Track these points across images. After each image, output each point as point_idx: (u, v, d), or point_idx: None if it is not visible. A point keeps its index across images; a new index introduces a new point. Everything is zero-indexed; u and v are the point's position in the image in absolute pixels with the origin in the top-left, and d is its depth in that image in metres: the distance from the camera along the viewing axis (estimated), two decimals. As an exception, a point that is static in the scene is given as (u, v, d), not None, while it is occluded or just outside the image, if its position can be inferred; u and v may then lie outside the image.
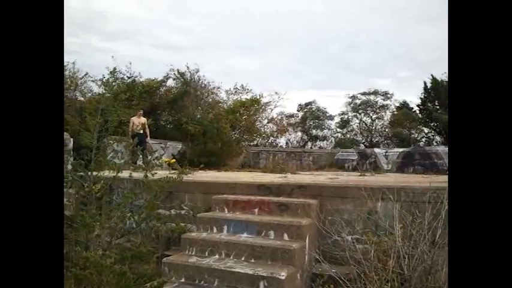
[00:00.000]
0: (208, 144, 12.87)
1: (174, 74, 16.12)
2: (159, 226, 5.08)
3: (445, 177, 5.83)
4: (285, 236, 4.40)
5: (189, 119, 13.68)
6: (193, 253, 4.46)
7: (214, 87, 17.77)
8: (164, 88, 16.06)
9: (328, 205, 4.88)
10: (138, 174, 5.33)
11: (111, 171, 5.04)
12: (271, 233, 4.48)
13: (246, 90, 17.92)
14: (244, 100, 17.28)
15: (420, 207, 4.17)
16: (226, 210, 5.09)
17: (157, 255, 4.59)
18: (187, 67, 16.31)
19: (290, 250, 4.09)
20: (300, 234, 4.38)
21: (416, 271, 3.57)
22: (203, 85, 17.20)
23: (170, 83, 16.30)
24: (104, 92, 7.06)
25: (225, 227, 4.72)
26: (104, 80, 7.30)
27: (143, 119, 11.62)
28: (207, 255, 4.39)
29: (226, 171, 10.57)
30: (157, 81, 15.60)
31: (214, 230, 4.76)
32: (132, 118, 11.22)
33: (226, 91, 17.96)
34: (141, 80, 15.27)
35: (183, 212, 5.68)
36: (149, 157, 7.73)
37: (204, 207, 5.43)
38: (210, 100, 16.96)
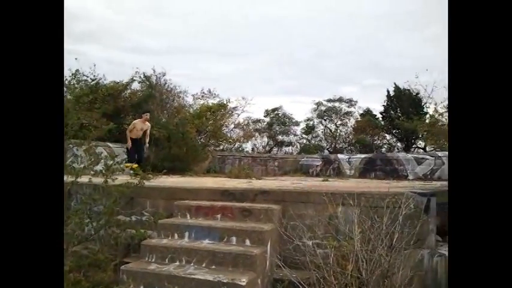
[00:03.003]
0: (172, 149, 12.69)
1: (140, 77, 15.86)
2: (119, 233, 4.95)
3: (405, 183, 6.04)
4: (247, 242, 4.39)
5: (154, 123, 13.45)
6: (153, 260, 4.37)
7: (180, 91, 17.61)
8: (129, 91, 15.75)
9: (290, 210, 4.91)
10: (98, 180, 5.18)
11: (70, 176, 4.88)
12: (234, 238, 4.46)
13: (213, 95, 17.86)
14: (210, 105, 17.21)
15: (379, 212, 4.27)
16: (188, 216, 5.04)
17: (116, 263, 4.47)
18: (154, 70, 16.08)
19: (251, 256, 4.08)
20: (262, 240, 4.39)
21: (374, 275, 3.65)
22: (169, 89, 17.01)
23: (136, 86, 16.00)
24: (65, 94, 6.84)
25: (187, 233, 4.66)
26: (65, 82, 7.08)
27: (148, 124, 10.24)
28: (167, 262, 4.31)
29: (190, 177, 10.46)
30: (122, 84, 15.27)
31: (176, 236, 4.69)
32: (135, 122, 10.04)
33: (193, 95, 17.83)
34: (105, 82, 14.90)
35: (144, 218, 5.56)
36: (110, 162, 7.52)
37: (166, 213, 5.34)
38: (176, 104, 16.77)
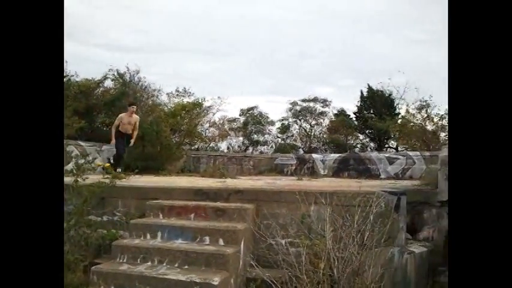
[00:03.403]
0: (146, 148, 12.49)
1: (113, 74, 15.57)
2: (89, 233, 4.85)
3: (377, 182, 6.15)
4: (221, 241, 4.38)
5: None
6: (125, 260, 4.30)
7: (155, 90, 17.40)
8: (102, 89, 15.43)
9: (264, 209, 4.93)
10: (69, 179, 5.06)
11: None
12: (207, 238, 4.44)
13: (189, 94, 17.74)
14: (186, 103, 17.07)
15: (351, 211, 4.34)
16: (161, 216, 4.98)
17: (86, 264, 4.37)
18: (128, 68, 15.82)
19: (224, 255, 4.08)
20: (236, 239, 4.39)
21: (345, 272, 3.70)
22: (143, 87, 16.77)
23: (109, 84, 15.70)
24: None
25: (159, 233, 4.61)
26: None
27: (136, 117, 9.59)
28: (139, 262, 4.25)
29: (164, 176, 10.34)
30: (95, 81, 14.95)
31: (148, 236, 4.63)
32: (121, 115, 9.42)
33: (168, 94, 17.65)
34: (77, 80, 14.54)
35: (115, 218, 5.47)
36: (81, 161, 7.36)
37: (138, 213, 5.27)
38: (150, 103, 16.55)
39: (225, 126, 22.55)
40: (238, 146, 23.50)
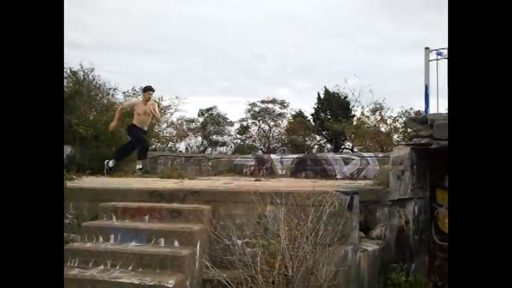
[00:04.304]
0: (101, 149, 12.07)
1: (66, 72, 14.96)
2: (37, 237, 4.64)
3: (332, 182, 6.28)
4: (176, 243, 4.33)
5: (80, 120, 12.74)
6: (76, 265, 4.15)
7: (110, 88, 16.89)
8: (53, 87, 14.79)
9: (221, 210, 4.91)
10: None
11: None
12: (162, 240, 4.37)
13: (146, 93, 17.34)
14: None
15: (305, 210, 4.42)
16: (114, 218, 4.84)
17: (33, 270, 4.17)
18: (81, 65, 15.26)
19: (180, 257, 4.03)
20: (191, 241, 4.34)
21: (300, 271, 3.77)
22: (98, 85, 16.24)
23: (61, 81, 15.08)
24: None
25: (112, 236, 4.48)
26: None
27: (151, 104, 7.92)
28: (90, 266, 4.12)
29: (120, 177, 10.06)
30: (45, 79, 14.31)
31: (100, 239, 4.49)
32: (134, 101, 8.09)
33: (124, 93, 17.19)
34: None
35: (67, 221, 5.25)
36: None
37: (90, 215, 5.10)
38: (105, 101, 16.04)
39: (184, 127, 22.26)
40: (197, 147, 23.28)
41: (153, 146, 17.47)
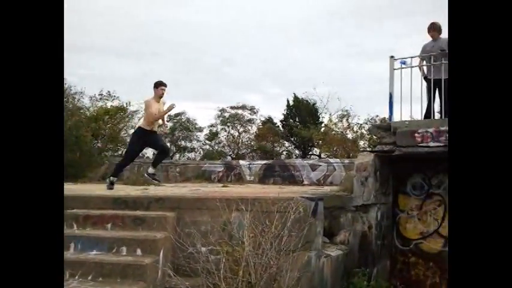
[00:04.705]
0: (64, 154, 11.78)
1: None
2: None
3: (299, 188, 6.34)
4: (138, 251, 4.25)
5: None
6: (32, 276, 3.99)
7: (76, 92, 16.48)
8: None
9: (185, 217, 4.86)
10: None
11: None
12: (124, 248, 4.28)
13: (113, 97, 17.04)
14: (109, 107, 16.38)
15: (270, 217, 4.43)
16: (75, 226, 4.71)
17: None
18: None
19: (142, 266, 3.96)
20: (154, 249, 4.28)
21: (263, 278, 3.77)
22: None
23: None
24: None
25: (72, 245, 4.35)
26: None
27: (163, 102, 6.64)
28: (48, 277, 3.97)
29: (83, 184, 9.81)
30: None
31: (59, 248, 4.34)
32: (149, 100, 6.50)
33: (91, 97, 16.80)
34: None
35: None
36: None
37: (49, 223, 4.93)
38: (71, 106, 15.63)
39: (152, 132, 21.91)
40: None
41: (120, 152, 17.13)
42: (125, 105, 17.00)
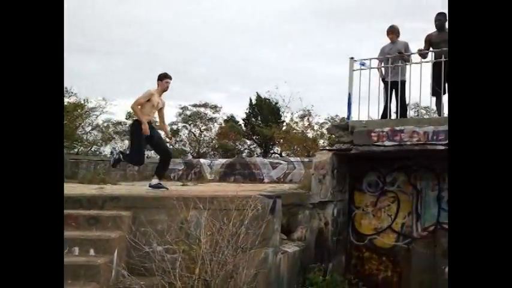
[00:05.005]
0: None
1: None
2: None
3: (259, 186, 6.37)
4: (92, 252, 4.13)
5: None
6: (-25, 279, 3.79)
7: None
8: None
9: (141, 216, 4.77)
10: None
11: None
12: (76, 249, 4.14)
13: (70, 94, 16.45)
14: (66, 104, 15.80)
15: (229, 215, 4.44)
16: (24, 226, 4.50)
17: None
18: None
19: (95, 266, 3.86)
20: (108, 249, 4.17)
21: (219, 275, 3.77)
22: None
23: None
24: None
25: (21, 246, 4.16)
26: None
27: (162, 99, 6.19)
28: (-7, 280, 3.79)
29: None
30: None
31: (6, 250, 4.15)
32: (151, 90, 5.96)
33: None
34: None
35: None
36: None
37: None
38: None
39: (110, 130, 21.35)
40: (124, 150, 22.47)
41: (76, 150, 16.58)
42: (82, 102, 16.46)
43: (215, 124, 24.09)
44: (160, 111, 6.23)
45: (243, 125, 23.76)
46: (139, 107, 5.89)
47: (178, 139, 23.75)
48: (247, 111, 23.69)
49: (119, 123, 22.42)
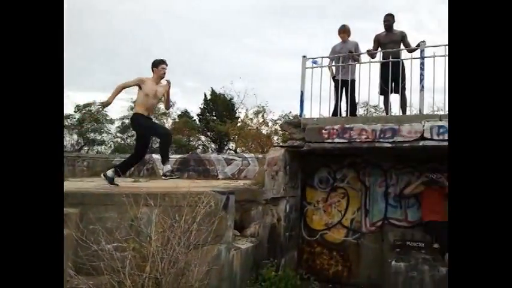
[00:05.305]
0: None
1: None
2: None
3: (213, 182, 6.34)
4: (35, 251, 3.93)
5: None
6: None
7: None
8: None
9: (90, 214, 4.61)
10: None
11: None
12: (18, 248, 3.93)
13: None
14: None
15: (181, 211, 4.38)
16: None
17: None
18: None
19: (38, 266, 3.66)
20: (53, 248, 3.99)
21: (171, 273, 3.72)
22: None
23: None
24: None
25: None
26: None
27: (165, 85, 5.93)
28: None
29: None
30: None
31: None
32: (141, 78, 5.69)
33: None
34: None
35: None
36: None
37: None
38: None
39: (57, 123, 20.36)
40: (72, 145, 21.56)
41: None
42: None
43: (169, 119, 23.69)
44: (165, 96, 6.03)
45: (197, 120, 23.54)
46: (122, 90, 5.63)
47: (129, 134, 23.12)
48: (202, 107, 23.50)
49: (67, 116, 21.49)
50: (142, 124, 5.75)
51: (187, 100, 36.88)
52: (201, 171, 12.47)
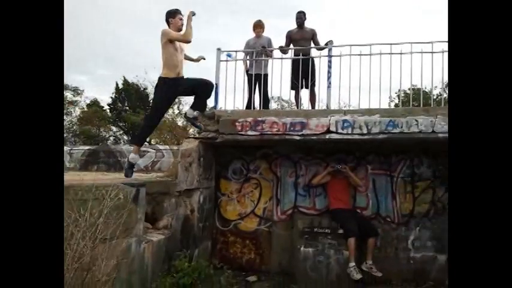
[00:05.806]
0: None
1: None
2: None
3: (123, 175, 6.13)
4: None
5: None
6: None
7: None
8: None
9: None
10: None
11: None
12: None
13: None
14: None
15: (87, 205, 4.18)
16: None
17: None
18: None
19: None
20: None
21: (74, 269, 3.55)
22: None
23: None
24: None
25: None
26: None
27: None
28: None
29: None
30: None
31: None
32: (166, 31, 5.13)
33: None
34: None
35: None
36: None
37: None
38: None
39: None
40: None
41: None
42: None
43: (76, 108, 22.26)
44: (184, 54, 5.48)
45: (108, 110, 22.43)
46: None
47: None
48: (113, 96, 22.44)
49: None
50: (163, 96, 5.33)
51: (98, 89, 34.92)
52: (112, 164, 11.98)
